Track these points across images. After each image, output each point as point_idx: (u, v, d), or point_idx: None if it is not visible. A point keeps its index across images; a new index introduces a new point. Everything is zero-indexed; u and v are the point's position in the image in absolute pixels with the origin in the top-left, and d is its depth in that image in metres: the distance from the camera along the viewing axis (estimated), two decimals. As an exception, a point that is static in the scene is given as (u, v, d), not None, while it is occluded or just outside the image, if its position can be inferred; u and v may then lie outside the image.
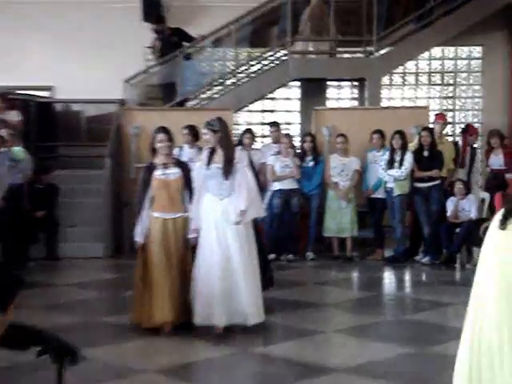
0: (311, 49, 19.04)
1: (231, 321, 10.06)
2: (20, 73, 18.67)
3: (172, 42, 18.46)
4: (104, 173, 16.82)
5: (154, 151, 10.28)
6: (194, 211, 10.07)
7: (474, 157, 17.02)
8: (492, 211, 15.09)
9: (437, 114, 17.97)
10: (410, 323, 11.49)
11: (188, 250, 10.22)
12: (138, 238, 10.18)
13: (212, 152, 10.08)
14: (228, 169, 9.88)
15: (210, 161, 10.04)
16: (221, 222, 9.92)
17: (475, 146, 17.71)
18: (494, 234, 5.30)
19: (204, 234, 10.04)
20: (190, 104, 18.74)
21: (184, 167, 10.39)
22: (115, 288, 14.08)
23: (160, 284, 9.98)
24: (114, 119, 17.75)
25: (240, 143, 16.45)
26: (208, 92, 19.43)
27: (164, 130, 10.35)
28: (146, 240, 10.12)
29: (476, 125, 20.40)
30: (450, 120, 19.58)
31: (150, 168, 10.21)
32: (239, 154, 10.11)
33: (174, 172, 10.18)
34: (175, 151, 15.04)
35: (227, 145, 10.10)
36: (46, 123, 18.34)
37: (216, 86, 19.47)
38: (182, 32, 18.74)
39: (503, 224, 5.18)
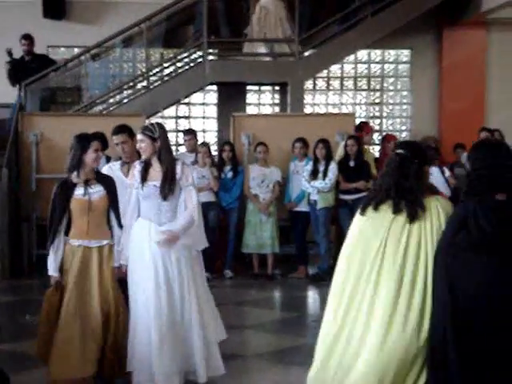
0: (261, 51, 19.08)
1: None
2: None
3: (30, 68, 18.03)
4: (0, 185, 16.15)
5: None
6: (125, 239, 8.49)
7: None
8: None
9: (361, 124, 18.17)
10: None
11: (117, 286, 8.45)
12: (53, 271, 8.28)
13: (146, 166, 8.53)
14: (169, 187, 8.33)
15: (144, 177, 8.47)
16: (159, 254, 8.31)
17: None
18: (356, 219, 7.29)
19: (137, 269, 8.41)
20: (96, 109, 18.33)
21: (107, 183, 8.57)
22: (13, 312, 13.57)
23: (76, 330, 8.13)
24: (11, 125, 17.24)
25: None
26: (117, 96, 19.19)
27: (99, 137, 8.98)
28: (61, 274, 8.34)
29: (404, 133, 20.45)
30: (377, 128, 19.48)
31: (67, 185, 8.42)
32: (182, 169, 8.53)
33: (98, 190, 8.44)
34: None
35: (168, 157, 8.51)
36: None
37: (126, 89, 19.29)
38: (45, 59, 18.37)
39: (363, 211, 7.09)
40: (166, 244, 8.28)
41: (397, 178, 6.74)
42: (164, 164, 8.37)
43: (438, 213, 6.69)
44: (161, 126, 8.71)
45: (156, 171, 8.40)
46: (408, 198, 6.65)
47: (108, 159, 13.06)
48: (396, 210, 6.71)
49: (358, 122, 18.46)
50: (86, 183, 8.32)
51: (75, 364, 7.99)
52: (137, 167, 8.51)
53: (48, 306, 8.40)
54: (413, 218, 6.62)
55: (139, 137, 8.49)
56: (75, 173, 8.41)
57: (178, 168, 8.43)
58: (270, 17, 18.24)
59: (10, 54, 17.83)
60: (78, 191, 8.26)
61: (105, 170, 9.72)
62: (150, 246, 8.29)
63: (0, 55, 18.13)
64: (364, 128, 17.38)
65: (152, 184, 8.33)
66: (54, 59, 18.49)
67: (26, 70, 17.85)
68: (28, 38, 18.17)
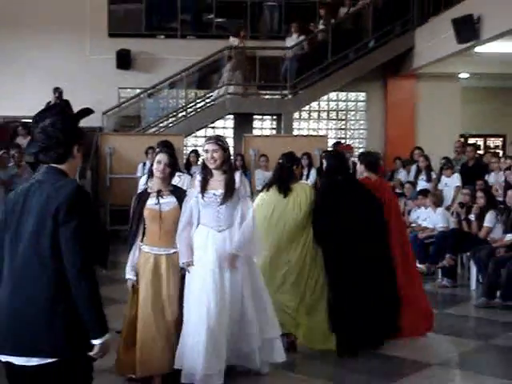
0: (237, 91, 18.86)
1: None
2: (21, 104, 18.10)
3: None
4: (86, 181, 16.25)
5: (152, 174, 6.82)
6: (181, 243, 6.55)
7: (355, 171, 16.72)
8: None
9: (339, 144, 18.07)
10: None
11: (178, 292, 6.62)
12: (130, 274, 6.70)
13: (206, 176, 6.61)
14: (230, 195, 6.52)
15: (204, 187, 6.56)
16: (218, 258, 6.48)
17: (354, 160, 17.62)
18: (259, 195, 7.95)
19: (196, 273, 6.53)
20: (151, 131, 18.31)
21: (180, 195, 6.71)
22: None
23: (149, 330, 6.56)
24: (94, 141, 17.17)
25: (188, 161, 16.19)
26: (165, 122, 19.05)
27: (168, 151, 6.80)
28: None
29: (361, 149, 20.36)
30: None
31: (143, 195, 6.75)
32: (241, 178, 6.66)
33: (169, 201, 6.63)
34: (139, 166, 14.92)
35: (230, 167, 6.75)
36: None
37: (171, 117, 19.14)
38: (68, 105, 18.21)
39: (262, 190, 7.99)
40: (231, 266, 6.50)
41: (279, 174, 7.85)
42: (227, 174, 6.55)
43: (301, 192, 7.66)
44: (224, 137, 6.93)
45: (217, 180, 6.53)
46: (283, 184, 7.62)
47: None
48: (279, 191, 7.64)
49: (330, 142, 18.54)
50: (158, 194, 6.57)
51: (158, 361, 6.50)
52: (197, 177, 6.63)
53: (131, 304, 6.72)
54: (285, 194, 7.59)
55: (213, 147, 6.48)
56: (150, 183, 6.81)
57: (237, 178, 6.59)
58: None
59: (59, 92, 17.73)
60: (151, 201, 6.57)
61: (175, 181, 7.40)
62: (207, 251, 6.48)
63: (90, 91, 18.10)
64: (337, 145, 17.28)
65: (212, 192, 6.50)
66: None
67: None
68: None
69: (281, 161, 7.99)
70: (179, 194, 6.69)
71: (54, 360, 3.71)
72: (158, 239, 6.50)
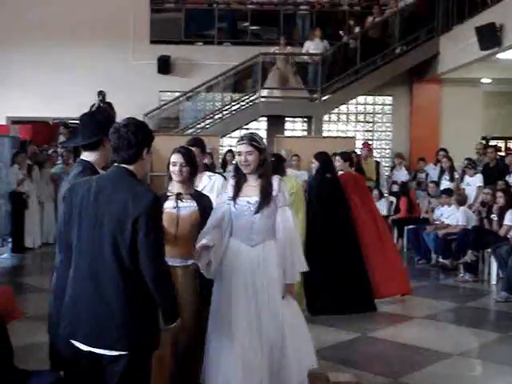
0: (277, 94, 18.82)
1: None
2: (69, 106, 18.28)
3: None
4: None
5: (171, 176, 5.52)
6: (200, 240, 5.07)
7: (378, 169, 16.73)
8: (397, 211, 14.94)
9: (363, 143, 17.91)
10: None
11: (200, 308, 5.33)
12: None
13: (239, 180, 5.30)
14: (266, 202, 5.17)
15: (236, 193, 5.26)
16: (251, 276, 5.20)
17: (377, 160, 17.55)
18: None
19: (226, 291, 5.22)
20: (189, 131, 18.38)
21: (203, 200, 5.43)
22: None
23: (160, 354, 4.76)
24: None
25: (224, 160, 16.21)
26: (202, 123, 19.14)
27: (181, 150, 5.52)
28: None
29: (387, 150, 20.37)
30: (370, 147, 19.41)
31: (163, 198, 5.18)
32: (279, 185, 5.28)
33: (189, 205, 5.31)
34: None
35: (268, 171, 5.28)
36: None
37: (207, 119, 19.23)
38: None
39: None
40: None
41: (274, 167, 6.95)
42: (263, 178, 5.24)
43: (288, 181, 7.77)
44: (260, 136, 5.44)
45: (251, 186, 5.25)
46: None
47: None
48: None
49: (357, 143, 18.38)
50: (178, 197, 5.32)
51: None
52: (231, 181, 5.38)
53: None
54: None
55: (247, 148, 5.19)
56: (170, 187, 5.50)
57: (275, 184, 5.25)
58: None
59: (103, 95, 17.95)
60: (169, 204, 5.29)
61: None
62: (239, 269, 5.21)
63: (133, 95, 18.25)
64: (364, 146, 17.28)
65: (245, 200, 5.22)
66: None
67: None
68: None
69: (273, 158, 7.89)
70: (201, 199, 5.45)
71: (126, 353, 3.87)
72: (174, 247, 5.09)
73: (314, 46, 18.92)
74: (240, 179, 5.27)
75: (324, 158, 9.14)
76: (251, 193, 5.20)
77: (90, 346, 3.91)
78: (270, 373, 5.13)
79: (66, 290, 4.05)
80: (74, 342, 3.99)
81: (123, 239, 3.82)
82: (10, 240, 13.80)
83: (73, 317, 3.97)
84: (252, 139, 5.19)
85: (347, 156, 9.77)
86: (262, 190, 5.18)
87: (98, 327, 3.88)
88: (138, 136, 4.01)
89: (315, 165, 8.88)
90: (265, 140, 17.34)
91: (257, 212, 5.14)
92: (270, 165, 5.31)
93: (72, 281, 4.01)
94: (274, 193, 5.19)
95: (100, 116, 4.90)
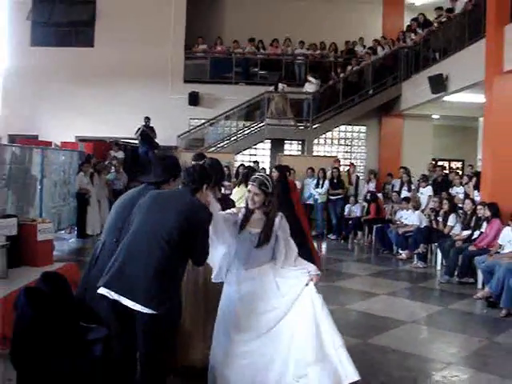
0: (279, 122, 18.77)
1: None
2: (120, 128, 18.44)
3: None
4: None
5: None
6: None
7: (358, 182, 16.75)
8: (367, 213, 14.98)
9: (350, 164, 18.02)
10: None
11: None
12: None
13: (248, 213, 4.74)
14: (265, 237, 4.65)
15: (243, 224, 4.71)
16: (247, 295, 4.62)
17: (358, 175, 17.53)
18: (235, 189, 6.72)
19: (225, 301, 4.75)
20: (211, 149, 18.45)
21: (226, 204, 5.03)
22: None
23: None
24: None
25: (237, 172, 16.22)
26: (221, 143, 19.14)
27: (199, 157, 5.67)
28: None
29: (361, 166, 20.36)
30: (347, 163, 19.40)
31: None
32: (280, 221, 4.72)
33: (213, 208, 4.48)
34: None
35: (273, 211, 4.70)
36: (134, 159, 17.90)
37: (225, 140, 19.17)
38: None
39: (238, 185, 6.71)
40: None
41: (245, 176, 6.68)
42: (267, 217, 4.69)
43: None
44: (273, 181, 4.82)
45: (257, 218, 4.72)
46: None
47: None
48: (245, 186, 6.28)
49: (342, 161, 18.38)
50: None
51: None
52: (242, 210, 4.77)
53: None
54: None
55: (255, 190, 4.67)
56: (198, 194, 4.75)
57: (277, 221, 4.69)
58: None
59: (148, 120, 17.86)
60: None
61: None
62: (236, 286, 4.69)
63: (169, 121, 18.31)
64: (350, 165, 17.37)
65: (248, 231, 4.67)
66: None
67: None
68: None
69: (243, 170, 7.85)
70: (225, 202, 5.11)
71: (151, 311, 3.89)
72: None
73: (310, 87, 18.99)
74: (249, 211, 4.74)
75: (282, 169, 8.97)
76: (255, 225, 4.70)
77: (124, 296, 3.93)
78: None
79: (117, 253, 4.11)
80: (105, 290, 3.99)
81: (178, 232, 3.98)
82: (75, 228, 13.94)
83: (119, 271, 4.00)
84: (262, 184, 4.70)
85: (281, 168, 9.65)
86: (264, 228, 4.67)
87: (137, 284, 3.91)
88: (200, 176, 4.27)
89: (275, 174, 8.70)
90: (268, 157, 17.38)
91: (257, 247, 4.64)
92: (274, 205, 4.72)
93: (126, 247, 4.08)
94: (275, 227, 4.68)
95: (169, 161, 4.99)
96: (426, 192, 14.13)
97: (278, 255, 4.73)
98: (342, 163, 18.13)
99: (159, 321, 3.91)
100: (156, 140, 17.93)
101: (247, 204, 4.74)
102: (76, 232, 13.82)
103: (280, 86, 18.72)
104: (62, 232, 13.58)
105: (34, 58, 19.32)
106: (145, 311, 3.89)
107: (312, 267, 4.72)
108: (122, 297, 3.94)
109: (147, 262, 3.94)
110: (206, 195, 4.31)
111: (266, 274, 4.69)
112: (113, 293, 3.97)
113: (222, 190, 5.85)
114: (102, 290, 4.00)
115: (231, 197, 6.25)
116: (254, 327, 4.57)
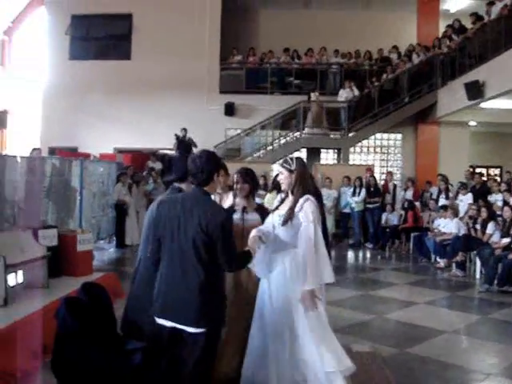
0: (315, 131, 18.71)
1: None
2: (158, 139, 18.65)
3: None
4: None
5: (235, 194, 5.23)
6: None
7: (395, 190, 16.62)
8: (405, 221, 14.85)
9: (387, 172, 17.84)
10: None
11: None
12: None
13: (284, 197, 4.79)
14: (289, 217, 4.50)
15: (277, 207, 4.74)
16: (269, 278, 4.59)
17: (395, 183, 17.36)
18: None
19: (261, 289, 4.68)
20: (247, 159, 18.51)
21: (264, 214, 4.94)
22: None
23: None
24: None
25: (273, 182, 16.23)
26: (257, 153, 19.21)
27: (241, 170, 5.20)
28: None
29: (398, 174, 20.20)
30: (384, 171, 19.26)
31: (229, 211, 4.87)
32: (303, 204, 4.50)
33: (252, 218, 4.94)
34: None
35: (298, 190, 4.57)
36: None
37: (262, 149, 19.25)
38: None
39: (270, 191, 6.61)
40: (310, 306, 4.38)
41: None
42: (293, 193, 4.62)
43: None
44: (299, 161, 4.72)
45: (289, 201, 4.64)
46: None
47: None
48: (277, 192, 6.64)
49: (376, 169, 18.30)
50: (244, 210, 4.97)
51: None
52: (278, 197, 5.05)
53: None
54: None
55: (279, 169, 4.76)
56: (237, 200, 5.18)
57: (300, 202, 4.50)
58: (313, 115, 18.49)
59: (185, 131, 17.89)
60: (236, 215, 4.96)
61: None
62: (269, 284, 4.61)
63: (204, 131, 18.42)
64: (387, 174, 17.31)
65: (278, 213, 4.61)
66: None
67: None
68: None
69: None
70: (263, 211, 5.07)
71: (202, 330, 3.93)
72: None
73: (346, 94, 18.95)
74: (285, 195, 4.79)
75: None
76: (285, 207, 4.64)
77: (175, 323, 3.97)
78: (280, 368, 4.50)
79: (157, 280, 4.10)
80: (160, 320, 4.03)
81: (201, 241, 3.92)
82: (114, 238, 14.10)
83: (164, 301, 4.02)
84: (285, 161, 4.70)
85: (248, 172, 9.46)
86: (290, 207, 4.58)
87: (184, 309, 3.93)
88: (209, 165, 4.12)
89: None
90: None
91: (283, 225, 4.53)
92: (304, 184, 4.61)
93: (164, 274, 4.07)
94: (297, 210, 4.51)
95: (195, 156, 4.96)
96: (465, 199, 13.94)
97: (299, 242, 4.49)
98: (378, 171, 18.01)
99: (210, 336, 3.98)
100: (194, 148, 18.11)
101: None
102: (115, 242, 13.99)
103: (312, 95, 18.72)
104: (102, 242, 13.75)
105: (73, 72, 19.74)
106: (197, 331, 3.95)
107: (313, 278, 4.39)
108: (175, 323, 4.00)
109: (186, 286, 3.95)
110: (216, 184, 4.25)
111: (288, 261, 4.56)
112: (168, 321, 4.03)
113: (256, 200, 5.65)
114: (158, 321, 4.07)
115: (265, 204, 6.25)
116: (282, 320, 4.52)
